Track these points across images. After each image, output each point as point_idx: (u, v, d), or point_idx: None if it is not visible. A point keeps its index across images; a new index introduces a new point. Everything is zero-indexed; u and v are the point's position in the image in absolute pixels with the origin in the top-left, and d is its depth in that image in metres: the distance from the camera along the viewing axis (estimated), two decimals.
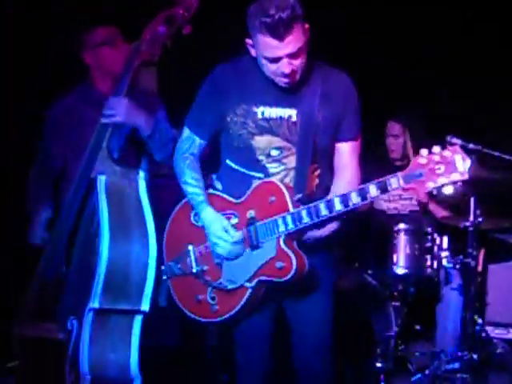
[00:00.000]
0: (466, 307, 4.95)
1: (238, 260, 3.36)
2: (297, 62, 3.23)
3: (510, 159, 4.61)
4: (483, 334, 5.05)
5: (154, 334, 3.82)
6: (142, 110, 3.86)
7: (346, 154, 3.44)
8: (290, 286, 3.30)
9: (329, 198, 3.22)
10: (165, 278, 3.54)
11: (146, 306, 3.67)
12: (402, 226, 5.02)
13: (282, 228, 3.26)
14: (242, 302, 3.34)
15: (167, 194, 3.88)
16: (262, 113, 3.37)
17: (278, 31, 3.13)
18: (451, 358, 4.84)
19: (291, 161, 3.38)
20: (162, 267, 3.56)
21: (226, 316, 3.38)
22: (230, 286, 3.36)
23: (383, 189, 3.10)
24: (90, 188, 3.75)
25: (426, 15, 5.79)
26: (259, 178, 3.38)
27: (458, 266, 4.96)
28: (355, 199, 3.15)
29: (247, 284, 3.32)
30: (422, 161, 3.02)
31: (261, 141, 3.38)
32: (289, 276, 3.23)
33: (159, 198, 3.95)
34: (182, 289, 3.50)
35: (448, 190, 4.03)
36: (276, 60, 3.21)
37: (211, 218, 3.39)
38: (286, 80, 3.27)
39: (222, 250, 3.36)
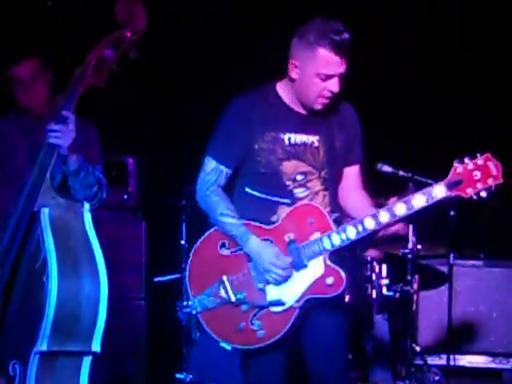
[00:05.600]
0: (402, 335, 4.92)
1: (283, 282, 3.46)
2: (339, 84, 3.48)
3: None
4: (419, 362, 5.04)
5: None
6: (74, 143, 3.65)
7: (356, 175, 3.73)
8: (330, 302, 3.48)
9: (374, 212, 3.46)
10: (194, 313, 3.54)
11: (97, 347, 3.47)
12: None
13: (328, 246, 3.44)
14: (290, 323, 3.43)
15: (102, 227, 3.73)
16: (289, 139, 3.55)
17: (342, 49, 3.41)
18: None
19: (315, 185, 3.57)
20: (190, 302, 3.56)
21: (276, 338, 3.43)
22: (278, 309, 3.43)
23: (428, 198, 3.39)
24: (32, 222, 3.51)
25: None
26: (286, 204, 3.53)
27: (398, 294, 4.92)
28: (401, 210, 3.44)
29: (295, 304, 3.43)
30: (459, 170, 3.36)
31: (288, 166, 3.54)
32: (340, 290, 3.42)
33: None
34: (219, 321, 3.50)
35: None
36: (329, 77, 3.43)
37: (260, 246, 3.46)
38: (325, 101, 3.49)
39: (276, 276, 3.44)
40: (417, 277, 4.93)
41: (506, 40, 5.86)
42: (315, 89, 3.46)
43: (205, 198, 3.58)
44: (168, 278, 5.56)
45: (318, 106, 3.52)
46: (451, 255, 5.25)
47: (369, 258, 5.04)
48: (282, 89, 3.60)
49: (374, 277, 4.99)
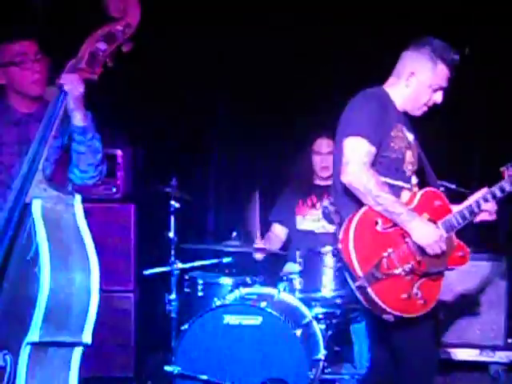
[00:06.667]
0: None
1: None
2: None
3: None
4: None
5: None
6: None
7: None
8: None
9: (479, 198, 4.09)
10: (365, 285, 3.81)
11: (87, 338, 3.46)
12: (328, 248, 5.00)
13: (456, 224, 4.01)
14: (440, 289, 3.99)
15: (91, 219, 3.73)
16: (406, 132, 4.08)
17: (454, 67, 4.06)
18: None
19: (415, 175, 4.12)
20: (358, 279, 3.81)
21: (433, 304, 3.96)
22: (434, 278, 3.95)
23: (503, 190, 4.09)
24: (24, 214, 3.50)
25: None
26: (408, 189, 4.05)
27: None
28: (490, 199, 4.09)
29: (444, 272, 4.01)
30: (509, 173, 4.08)
31: (409, 154, 4.06)
32: (467, 261, 4.08)
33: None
34: (386, 292, 3.84)
35: None
36: (440, 89, 4.07)
37: (427, 224, 3.92)
38: (426, 110, 4.12)
39: (437, 250, 3.89)
40: None
41: None
42: (425, 97, 4.06)
43: (367, 179, 3.84)
44: (157, 270, 5.57)
45: (419, 113, 4.12)
46: None
47: None
48: (390, 92, 4.08)
49: None
